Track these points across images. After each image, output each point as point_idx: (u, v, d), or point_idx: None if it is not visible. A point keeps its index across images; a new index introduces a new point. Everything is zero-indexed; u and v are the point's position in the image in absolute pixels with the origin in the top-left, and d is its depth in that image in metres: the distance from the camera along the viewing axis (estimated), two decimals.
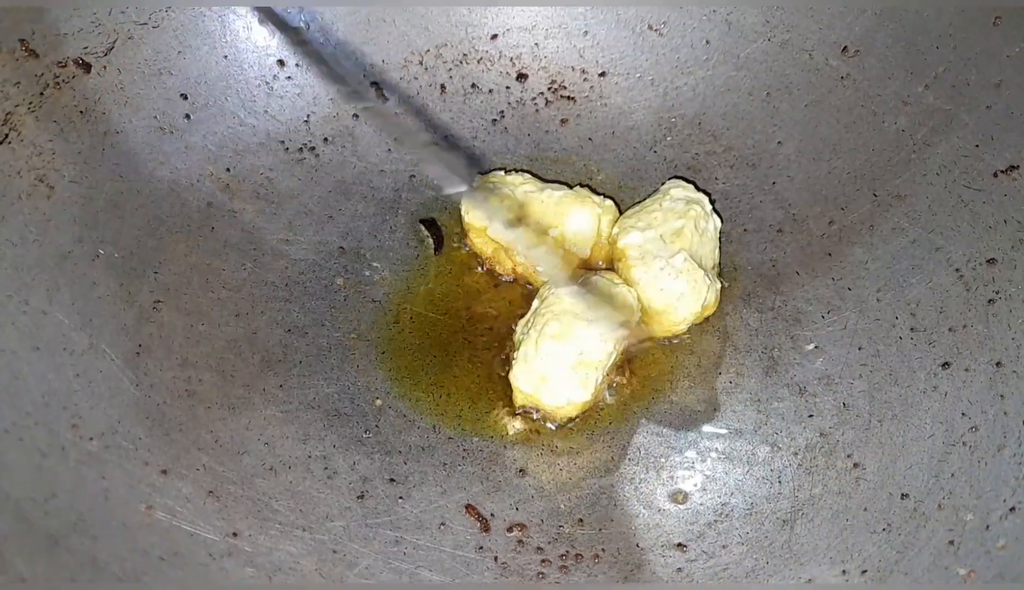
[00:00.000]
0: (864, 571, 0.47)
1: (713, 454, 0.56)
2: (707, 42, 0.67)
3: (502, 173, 0.63)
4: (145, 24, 0.61)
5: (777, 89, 0.66)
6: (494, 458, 0.55)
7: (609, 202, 0.62)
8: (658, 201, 0.60)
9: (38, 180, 0.54)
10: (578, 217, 0.60)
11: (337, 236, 0.64)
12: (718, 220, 0.61)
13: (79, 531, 0.44)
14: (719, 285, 0.60)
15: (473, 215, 0.61)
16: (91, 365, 0.52)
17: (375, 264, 0.63)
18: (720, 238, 0.61)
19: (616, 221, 0.62)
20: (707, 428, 0.57)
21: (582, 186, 0.64)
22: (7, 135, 0.54)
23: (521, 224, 0.60)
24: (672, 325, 0.59)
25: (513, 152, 0.68)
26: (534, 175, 0.64)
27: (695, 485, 0.54)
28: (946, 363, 0.53)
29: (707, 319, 0.60)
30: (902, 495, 0.50)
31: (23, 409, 0.48)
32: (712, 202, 0.62)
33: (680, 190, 0.61)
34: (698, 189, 0.62)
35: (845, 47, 0.63)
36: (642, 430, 0.57)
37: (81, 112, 0.58)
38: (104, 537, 0.45)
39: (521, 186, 0.62)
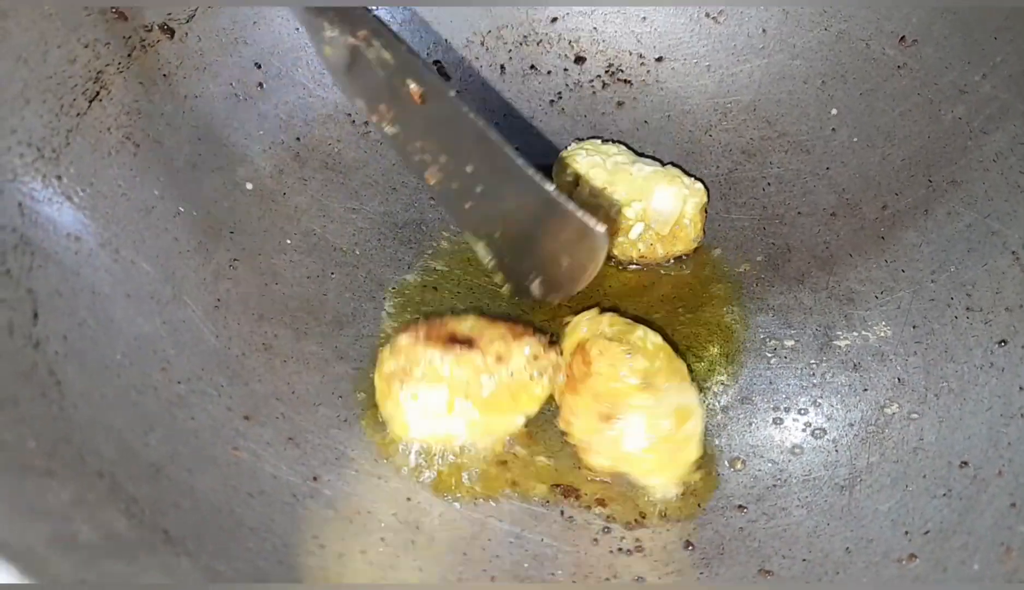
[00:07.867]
0: (926, 532, 0.48)
1: (768, 424, 0.57)
2: (764, 31, 0.69)
3: (599, 141, 0.65)
4: None
5: (832, 77, 0.67)
6: (552, 418, 0.57)
7: (699, 186, 0.63)
8: None
9: (125, 138, 0.56)
10: (664, 195, 0.61)
11: (401, 207, 0.65)
12: None
13: (176, 463, 0.46)
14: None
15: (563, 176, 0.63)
16: (175, 315, 0.53)
17: (436, 234, 0.65)
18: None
19: (703, 206, 0.63)
20: (761, 401, 0.58)
21: (675, 165, 0.65)
22: (98, 93, 0.55)
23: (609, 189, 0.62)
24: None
25: (570, 133, 0.69)
26: (629, 147, 0.66)
27: (752, 453, 0.56)
28: (1003, 340, 0.54)
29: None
30: (961, 463, 0.51)
31: (119, 349, 0.49)
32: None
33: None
34: None
35: (903, 37, 0.65)
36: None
37: (164, 75, 0.59)
38: (198, 471, 0.46)
39: (613, 156, 0.63)
